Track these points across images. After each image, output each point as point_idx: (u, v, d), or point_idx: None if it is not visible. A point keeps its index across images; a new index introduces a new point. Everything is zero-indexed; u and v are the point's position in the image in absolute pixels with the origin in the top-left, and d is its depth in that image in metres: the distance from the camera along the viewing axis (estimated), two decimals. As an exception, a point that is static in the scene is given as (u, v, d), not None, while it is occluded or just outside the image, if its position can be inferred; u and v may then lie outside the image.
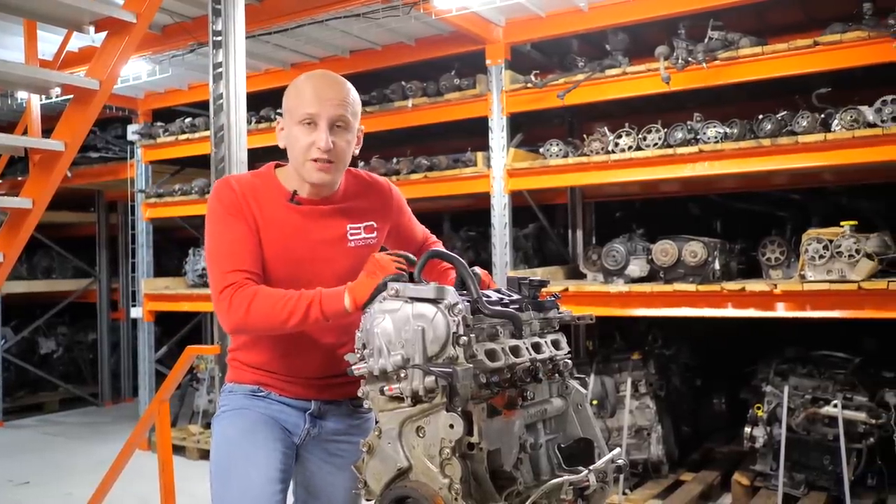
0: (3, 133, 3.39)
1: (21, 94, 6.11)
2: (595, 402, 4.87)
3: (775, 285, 4.16)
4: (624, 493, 4.60)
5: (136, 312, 6.68)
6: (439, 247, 2.41)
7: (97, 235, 8.72)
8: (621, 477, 4.61)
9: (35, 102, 3.68)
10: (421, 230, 2.46)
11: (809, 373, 4.49)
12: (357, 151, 2.19)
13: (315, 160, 2.04)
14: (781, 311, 4.17)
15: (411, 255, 1.97)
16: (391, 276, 1.85)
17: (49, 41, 4.58)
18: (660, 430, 4.84)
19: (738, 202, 5.85)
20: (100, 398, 8.73)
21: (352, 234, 2.16)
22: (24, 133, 3.91)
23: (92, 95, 3.17)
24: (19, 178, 7.19)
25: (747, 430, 4.52)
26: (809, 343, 4.81)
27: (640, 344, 5.33)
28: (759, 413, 4.48)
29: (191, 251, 6.65)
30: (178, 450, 6.29)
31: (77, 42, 5.01)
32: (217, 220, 2.06)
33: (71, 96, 3.33)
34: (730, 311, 4.33)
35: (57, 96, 3.41)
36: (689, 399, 5.42)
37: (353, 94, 2.13)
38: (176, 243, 8.54)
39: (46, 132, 3.48)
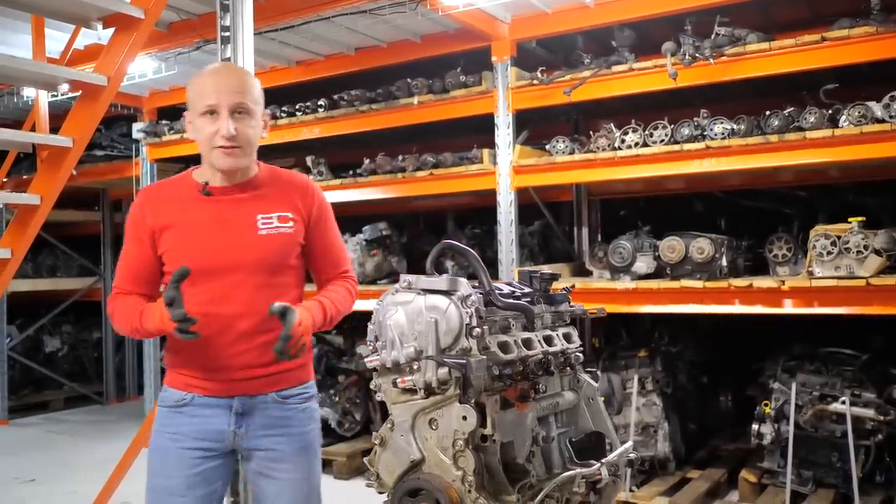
0: (11, 129, 3.38)
1: (27, 92, 6.12)
2: (602, 399, 4.84)
3: (783, 282, 4.15)
4: (631, 490, 4.59)
5: (141, 310, 6.67)
6: (349, 286, 2.35)
7: (102, 234, 8.72)
8: (628, 473, 4.61)
9: (43, 99, 3.69)
10: (337, 259, 2.36)
11: (817, 369, 4.48)
12: (265, 136, 2.25)
13: (221, 147, 2.11)
14: (789, 307, 4.16)
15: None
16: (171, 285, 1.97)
17: (56, 39, 4.58)
18: (666, 427, 4.83)
19: (744, 199, 5.84)
20: (104, 396, 8.73)
21: (263, 223, 2.18)
22: (33, 129, 3.91)
23: (100, 92, 3.16)
24: (24, 177, 7.20)
25: (755, 427, 4.50)
26: (817, 340, 4.79)
27: (646, 341, 5.31)
28: (767, 410, 4.46)
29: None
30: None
31: (83, 40, 5.00)
32: (125, 234, 2.25)
33: (79, 93, 3.33)
34: (737, 308, 4.32)
35: (65, 93, 3.40)
36: (695, 396, 5.41)
37: (253, 82, 2.22)
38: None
39: (53, 130, 3.49)
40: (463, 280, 1.78)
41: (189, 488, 2.14)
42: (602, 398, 4.93)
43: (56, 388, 8.72)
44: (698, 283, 4.36)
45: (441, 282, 1.78)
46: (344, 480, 5.37)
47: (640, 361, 4.93)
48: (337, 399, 5.81)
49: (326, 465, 5.56)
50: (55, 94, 3.45)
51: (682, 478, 4.86)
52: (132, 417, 7.51)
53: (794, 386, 4.37)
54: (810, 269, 4.05)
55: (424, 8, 4.59)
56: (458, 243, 2.05)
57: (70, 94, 3.45)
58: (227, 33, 3.27)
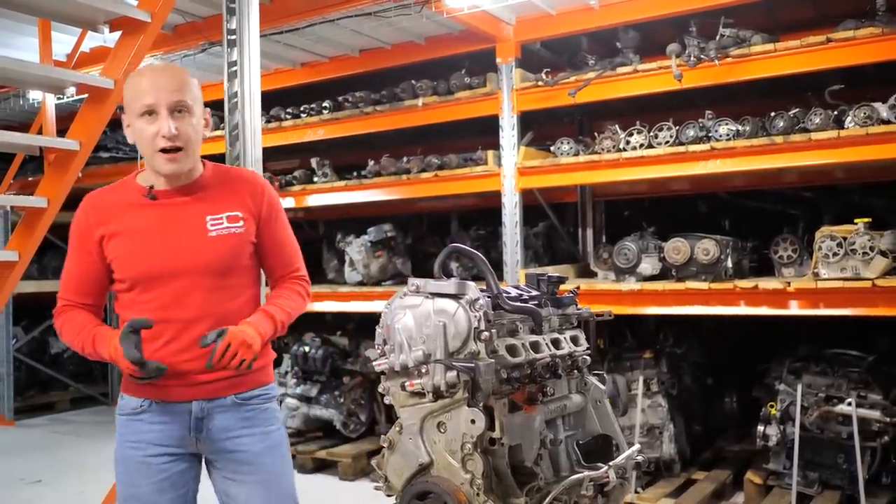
0: (18, 133, 3.40)
1: (33, 95, 6.13)
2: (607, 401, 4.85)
3: (788, 283, 4.15)
4: (636, 492, 4.59)
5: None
6: (299, 289, 2.33)
7: (107, 236, 8.74)
8: (633, 475, 4.60)
9: (50, 102, 3.71)
10: (290, 257, 2.32)
11: (823, 371, 4.47)
12: (207, 134, 2.22)
13: (163, 150, 2.06)
14: (795, 309, 4.16)
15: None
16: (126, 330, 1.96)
17: (61, 42, 4.59)
18: (672, 428, 4.83)
19: (749, 200, 5.83)
20: (110, 397, 8.74)
21: (212, 224, 2.14)
22: (40, 132, 3.93)
23: (107, 95, 3.19)
24: (30, 179, 7.21)
25: (760, 428, 4.50)
26: (823, 341, 4.79)
27: (651, 342, 5.31)
28: (773, 411, 4.46)
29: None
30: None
31: (89, 42, 5.01)
32: (69, 243, 2.20)
33: (85, 96, 3.35)
34: (742, 310, 4.32)
35: (71, 96, 3.42)
36: (700, 398, 5.40)
37: (191, 80, 2.16)
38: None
39: (60, 132, 3.50)
40: (471, 284, 1.79)
41: (158, 493, 2.13)
42: (607, 400, 4.94)
43: (62, 389, 8.74)
44: (703, 285, 4.36)
45: (449, 285, 1.78)
46: (349, 482, 5.37)
47: (645, 363, 4.93)
48: (342, 400, 5.81)
49: (331, 466, 5.58)
50: (62, 96, 3.46)
51: (687, 479, 4.86)
52: (137, 419, 7.51)
53: (799, 387, 4.37)
54: (816, 270, 4.05)
55: (429, 10, 4.59)
56: (465, 247, 2.06)
57: (76, 97, 3.47)
58: (233, 36, 3.28)
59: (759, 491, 4.56)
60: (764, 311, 4.25)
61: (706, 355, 5.59)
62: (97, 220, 2.13)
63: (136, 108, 2.07)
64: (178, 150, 2.07)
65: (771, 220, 5.42)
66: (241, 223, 2.16)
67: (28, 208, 3.27)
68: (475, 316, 1.74)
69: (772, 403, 4.48)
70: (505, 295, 1.91)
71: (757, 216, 5.80)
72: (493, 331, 1.76)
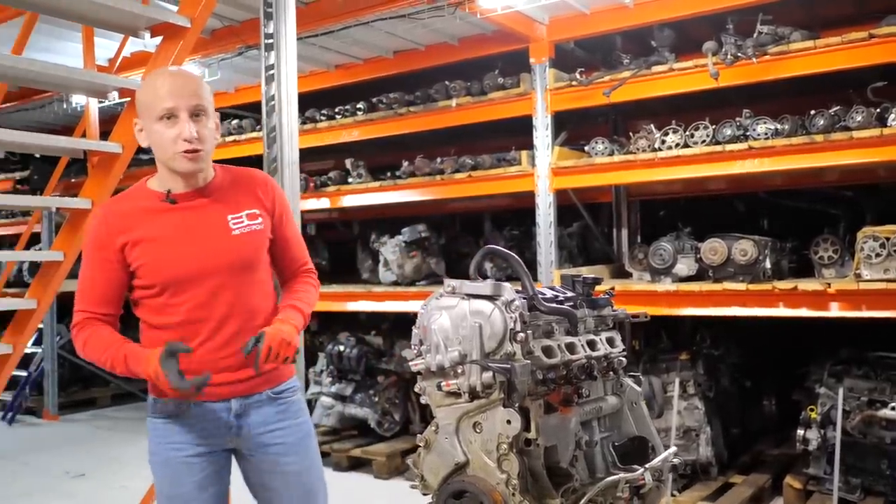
0: (63, 136, 3.48)
1: (76, 99, 6.27)
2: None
3: (829, 284, 4.08)
4: (672, 495, 4.55)
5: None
6: (313, 282, 2.38)
7: (147, 236, 8.89)
8: (669, 478, 4.56)
9: (93, 106, 3.79)
10: (300, 253, 2.38)
11: (865, 374, 4.39)
12: (218, 137, 2.24)
13: (184, 151, 2.08)
14: (835, 310, 4.09)
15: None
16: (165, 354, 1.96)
17: (103, 47, 4.69)
18: (708, 431, 4.78)
19: (788, 200, 5.74)
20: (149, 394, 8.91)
21: (234, 223, 2.18)
22: (83, 136, 4.02)
23: (148, 98, 3.24)
24: (73, 181, 7.38)
25: (800, 432, 4.42)
26: (865, 344, 4.70)
27: (687, 344, 5.26)
28: (813, 415, 4.38)
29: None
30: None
31: (130, 47, 5.12)
32: (83, 253, 2.19)
33: (127, 100, 3.42)
34: (781, 311, 4.25)
35: (113, 100, 3.49)
36: (738, 400, 5.33)
37: (205, 85, 2.19)
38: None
39: (103, 135, 3.58)
40: (507, 285, 1.80)
41: (200, 491, 2.18)
42: (643, 401, 4.90)
43: (103, 386, 8.91)
44: (741, 286, 4.30)
45: (485, 287, 1.79)
46: (384, 480, 5.41)
47: (682, 364, 4.88)
48: (377, 399, 5.85)
49: (366, 464, 5.62)
50: (104, 100, 3.54)
51: (724, 483, 4.80)
52: (176, 416, 7.65)
53: (840, 391, 4.29)
54: (858, 271, 3.98)
55: (462, 11, 4.60)
56: (501, 248, 2.07)
57: (118, 101, 3.54)
58: (270, 40, 3.32)
59: (798, 496, 4.48)
60: (803, 312, 4.18)
61: (745, 357, 5.52)
62: (118, 230, 2.12)
63: (155, 112, 2.08)
64: (197, 151, 2.10)
65: (811, 220, 5.33)
66: (259, 220, 2.22)
67: (72, 209, 3.36)
68: (511, 317, 1.75)
69: (812, 407, 4.40)
70: (540, 296, 1.92)
71: (797, 216, 5.71)
72: (529, 332, 1.77)
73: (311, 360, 6.50)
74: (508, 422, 1.72)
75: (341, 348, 6.07)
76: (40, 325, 8.03)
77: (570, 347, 1.89)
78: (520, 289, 1.91)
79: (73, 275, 7.81)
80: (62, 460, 6.24)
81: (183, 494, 2.18)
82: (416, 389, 1.86)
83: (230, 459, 2.30)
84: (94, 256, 2.14)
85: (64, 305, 8.38)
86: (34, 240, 7.92)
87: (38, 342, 8.23)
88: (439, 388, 1.80)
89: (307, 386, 6.33)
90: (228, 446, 2.23)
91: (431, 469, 1.84)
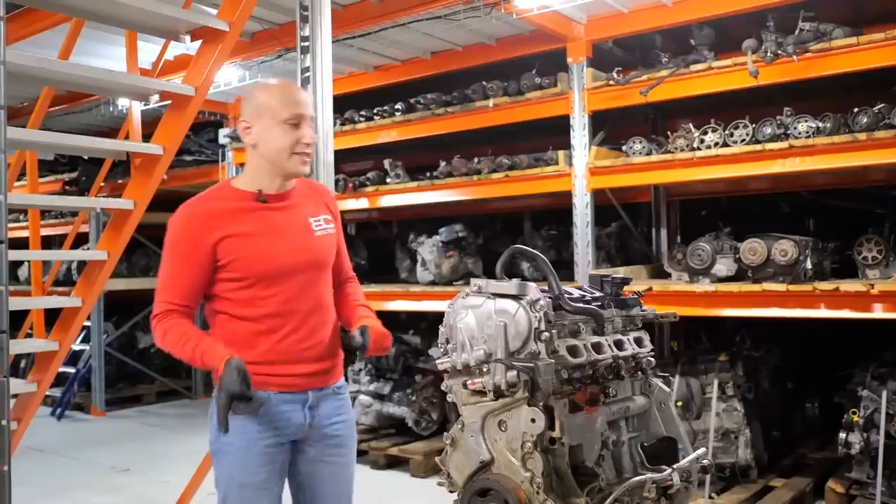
0: (108, 139, 3.58)
1: (121, 102, 6.44)
2: (680, 404, 4.77)
3: (872, 285, 3.99)
4: (710, 497, 4.49)
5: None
6: (355, 287, 2.53)
7: (191, 236, 9.07)
8: (707, 480, 4.51)
9: (136, 109, 3.89)
10: (347, 264, 2.55)
11: (910, 377, 4.29)
12: None
13: (301, 154, 2.25)
14: (879, 312, 4.00)
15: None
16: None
17: (146, 50, 4.81)
18: (748, 433, 4.70)
19: (831, 199, 5.62)
20: (193, 391, 9.10)
21: (315, 225, 2.35)
22: (126, 138, 4.13)
23: (188, 101, 3.33)
24: (119, 182, 7.57)
25: (842, 435, 4.33)
26: (910, 346, 4.59)
27: (727, 345, 5.19)
28: (855, 418, 4.29)
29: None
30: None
31: (172, 51, 5.24)
32: (168, 248, 2.26)
33: (168, 102, 3.50)
34: (823, 312, 4.17)
35: (155, 103, 3.58)
36: (779, 402, 5.24)
37: None
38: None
39: (145, 137, 3.67)
40: (532, 284, 1.81)
41: (273, 479, 2.27)
42: (680, 403, 4.87)
43: (148, 383, 9.13)
44: (781, 287, 4.23)
45: (510, 286, 1.80)
46: (421, 478, 5.44)
47: (721, 366, 4.81)
48: (414, 398, 5.89)
49: (403, 463, 5.66)
50: (147, 104, 3.63)
51: (764, 486, 4.73)
52: (219, 412, 7.79)
53: (884, 394, 4.19)
54: (902, 272, 3.88)
55: (499, 11, 4.62)
56: (527, 248, 2.08)
57: (161, 103, 3.63)
58: (306, 43, 3.38)
59: (841, 500, 4.39)
60: (846, 314, 4.09)
61: (787, 359, 5.42)
62: (210, 227, 2.22)
63: (282, 116, 2.23)
64: (309, 156, 2.30)
65: (857, 220, 5.21)
66: (332, 225, 2.39)
67: (116, 210, 3.45)
68: (535, 316, 1.76)
69: (854, 410, 4.31)
70: (567, 296, 1.92)
71: (842, 216, 5.59)
72: (554, 331, 1.78)
73: (349, 359, 6.56)
74: (533, 420, 1.73)
75: (379, 347, 6.11)
76: (88, 323, 8.28)
77: (597, 347, 1.89)
78: (546, 288, 1.91)
79: (117, 273, 7.97)
80: (108, 455, 6.40)
81: (258, 483, 2.25)
82: (443, 387, 1.88)
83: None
84: (184, 252, 2.23)
85: (111, 304, 8.63)
86: (84, 240, 8.14)
87: (86, 340, 8.46)
88: (465, 386, 1.82)
89: (345, 384, 6.40)
90: (298, 436, 2.31)
91: (457, 467, 1.86)
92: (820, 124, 4.19)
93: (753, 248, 4.36)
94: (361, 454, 6.03)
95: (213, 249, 2.21)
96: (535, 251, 2.02)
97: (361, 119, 6.01)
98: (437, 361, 1.88)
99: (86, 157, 7.75)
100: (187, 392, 9.08)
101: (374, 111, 5.95)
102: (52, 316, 3.63)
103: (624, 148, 4.93)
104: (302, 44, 3.40)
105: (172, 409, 8.52)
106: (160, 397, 8.95)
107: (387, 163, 6.14)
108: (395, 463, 5.75)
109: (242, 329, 2.23)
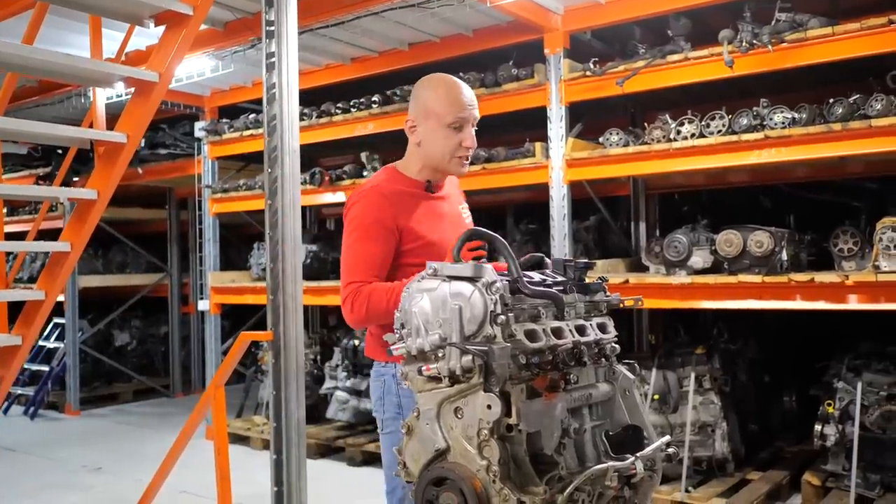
0: (70, 126, 3.50)
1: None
2: (657, 397, 4.74)
3: (847, 276, 3.97)
4: (687, 491, 4.47)
5: (203, 305, 6.86)
6: None
7: (168, 231, 8.99)
8: (683, 473, 4.48)
9: (100, 97, 3.80)
10: None
11: (885, 368, 4.27)
12: None
13: (462, 156, 2.40)
14: (854, 303, 3.98)
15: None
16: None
17: (112, 39, 4.69)
18: (725, 426, 4.68)
19: (809, 192, 5.62)
20: (171, 389, 9.00)
21: (464, 213, 2.58)
22: (91, 127, 4.03)
23: (152, 88, 3.25)
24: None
25: (818, 427, 4.32)
26: (885, 337, 4.58)
27: (704, 338, 5.17)
28: (831, 410, 4.28)
29: (255, 246, 6.77)
30: (243, 439, 6.44)
31: (145, 41, 5.13)
32: (356, 229, 2.35)
33: (132, 90, 3.42)
34: (798, 304, 4.15)
35: (124, 91, 3.50)
36: (756, 395, 5.23)
37: None
38: (245, 239, 8.73)
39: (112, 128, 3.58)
40: (488, 266, 1.75)
41: None
42: (657, 396, 4.83)
43: (125, 381, 9.04)
44: (757, 278, 4.21)
45: (466, 268, 1.74)
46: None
47: (697, 359, 4.80)
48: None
49: (380, 459, 5.57)
50: (114, 96, 3.55)
51: (741, 479, 4.71)
52: (196, 410, 7.71)
53: (859, 385, 4.18)
54: (876, 262, 3.87)
55: (474, 0, 4.56)
56: (483, 230, 2.02)
57: (124, 93, 3.55)
58: (271, 27, 3.31)
59: (816, 493, 4.38)
60: (821, 305, 4.08)
61: (764, 352, 5.41)
62: (395, 211, 2.34)
63: (447, 119, 2.35)
64: (469, 157, 2.45)
65: (835, 213, 5.20)
66: (469, 213, 2.61)
67: (80, 200, 3.36)
68: (491, 299, 1.70)
69: (829, 402, 4.30)
70: (527, 280, 1.86)
71: (821, 209, 5.58)
72: (511, 315, 1.72)
73: (326, 355, 6.50)
74: (489, 407, 1.67)
75: (356, 342, 6.06)
76: (62, 321, 8.16)
77: (557, 332, 1.83)
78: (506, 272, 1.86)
79: (93, 270, 7.77)
80: (81, 454, 6.31)
81: None
82: (398, 375, 1.82)
83: None
84: (377, 231, 2.33)
85: (86, 301, 8.51)
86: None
87: (60, 337, 8.35)
88: (420, 372, 1.75)
89: (323, 381, 6.33)
90: None
91: (413, 456, 1.80)
92: (796, 115, 4.17)
93: (729, 240, 4.34)
94: (338, 451, 5.96)
95: (399, 231, 2.34)
96: (493, 233, 1.96)
97: (338, 111, 5.94)
98: (391, 347, 1.82)
99: (59, 151, 7.62)
100: (165, 390, 8.98)
101: (351, 103, 5.87)
102: (15, 311, 3.54)
103: (601, 139, 4.89)
104: (267, 28, 3.33)
105: (149, 407, 8.42)
106: (137, 396, 8.85)
107: (364, 156, 6.07)
108: (372, 459, 5.70)
109: None
